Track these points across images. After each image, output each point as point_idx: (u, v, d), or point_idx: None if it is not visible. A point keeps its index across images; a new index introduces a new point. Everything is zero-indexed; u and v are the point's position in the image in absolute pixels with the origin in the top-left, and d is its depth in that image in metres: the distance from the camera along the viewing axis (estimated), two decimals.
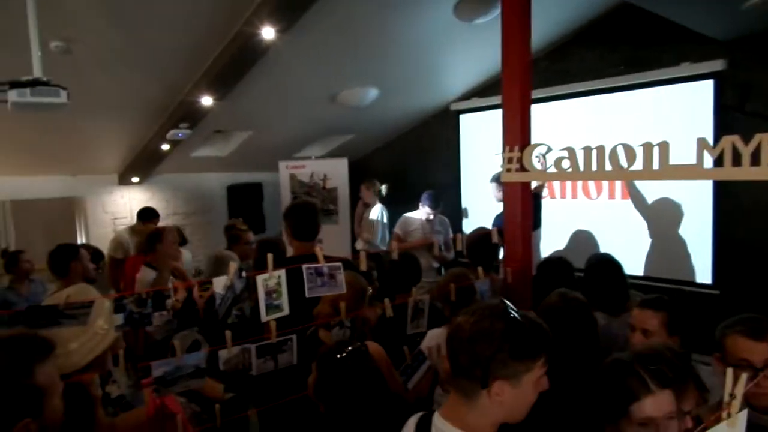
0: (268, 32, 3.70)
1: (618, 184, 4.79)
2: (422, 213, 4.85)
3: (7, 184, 5.38)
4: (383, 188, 5.70)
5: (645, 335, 2.01)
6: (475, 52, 5.12)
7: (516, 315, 1.22)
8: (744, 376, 0.76)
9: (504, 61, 2.62)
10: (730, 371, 0.77)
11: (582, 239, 4.84)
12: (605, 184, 4.87)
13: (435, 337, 2.27)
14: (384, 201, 5.71)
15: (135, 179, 6.19)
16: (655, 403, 1.32)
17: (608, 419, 1.40)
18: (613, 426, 1.38)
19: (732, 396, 0.75)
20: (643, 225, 4.58)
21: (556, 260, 2.97)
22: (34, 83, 2.97)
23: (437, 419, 1.28)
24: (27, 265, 4.20)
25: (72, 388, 1.48)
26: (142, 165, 5.93)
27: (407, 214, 4.96)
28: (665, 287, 4.22)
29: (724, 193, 4.16)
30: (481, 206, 5.78)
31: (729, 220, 4.17)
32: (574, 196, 5.12)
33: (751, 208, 4.10)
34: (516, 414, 1.24)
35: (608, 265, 2.72)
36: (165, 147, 5.42)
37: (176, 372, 1.68)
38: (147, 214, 5.22)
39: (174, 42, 3.90)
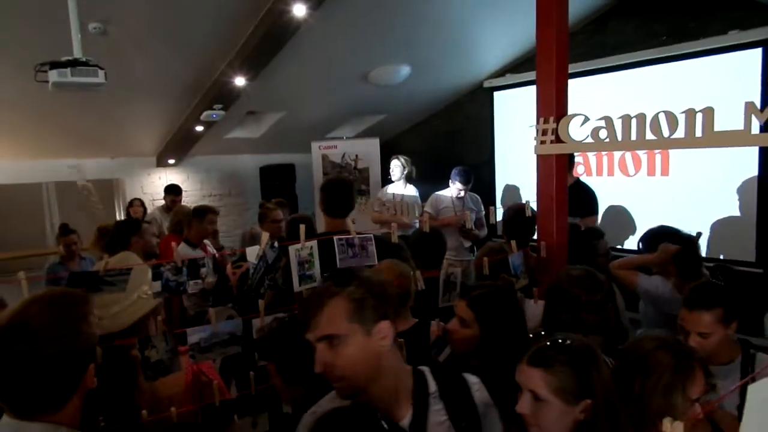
0: (299, 9, 3.70)
1: (658, 159, 4.63)
2: (453, 190, 4.75)
3: (51, 167, 5.58)
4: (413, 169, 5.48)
5: (702, 337, 1.83)
6: (509, 26, 5.00)
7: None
8: None
9: (539, 26, 2.53)
10: None
11: (619, 217, 4.71)
12: (644, 160, 4.71)
13: None
14: (410, 180, 5.47)
15: (171, 161, 6.33)
16: (522, 374, 1.28)
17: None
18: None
19: None
20: (683, 202, 4.42)
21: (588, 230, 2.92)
22: (74, 63, 3.06)
23: None
24: (74, 247, 4.30)
25: (116, 351, 1.55)
26: (177, 147, 6.06)
27: (438, 193, 4.87)
28: (707, 266, 4.09)
29: None
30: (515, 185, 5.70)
31: None
32: (611, 173, 4.98)
33: None
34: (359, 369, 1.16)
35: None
36: (199, 128, 5.52)
37: (211, 338, 1.72)
38: (171, 189, 5.61)
39: (206, 21, 3.95)
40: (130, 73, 4.27)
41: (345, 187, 2.69)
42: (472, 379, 1.32)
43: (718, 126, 1.92)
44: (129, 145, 5.92)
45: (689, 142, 1.97)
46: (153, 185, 6.37)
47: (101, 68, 3.14)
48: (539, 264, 2.58)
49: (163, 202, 5.68)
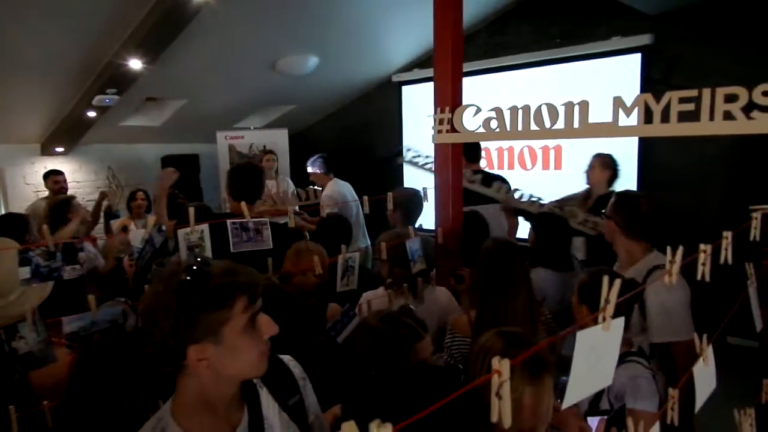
0: None
1: (551, 154, 4.94)
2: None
3: None
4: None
5: None
6: (416, 22, 5.10)
7: (195, 267, 1.01)
8: (618, 282, 0.81)
9: (436, 25, 2.62)
10: (605, 278, 0.81)
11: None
12: (539, 154, 5.01)
13: (368, 296, 2.37)
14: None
15: (59, 149, 5.86)
16: (426, 345, 1.56)
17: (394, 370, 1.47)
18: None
19: (607, 301, 0.79)
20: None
21: (470, 214, 3.01)
22: None
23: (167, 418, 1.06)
24: None
25: None
26: (66, 134, 5.60)
27: (340, 182, 4.77)
28: None
29: (647, 164, 4.39)
30: (422, 178, 5.82)
31: (652, 188, 4.40)
32: (511, 166, 5.25)
33: (674, 177, 4.34)
34: (245, 368, 1.05)
35: (555, 222, 2.85)
36: (91, 114, 5.14)
37: (91, 327, 1.62)
38: (49, 173, 4.96)
39: None
40: (8, 51, 3.90)
41: (250, 171, 2.68)
42: (286, 358, 1.30)
43: (597, 120, 2.09)
44: (10, 132, 5.39)
45: (567, 132, 2.13)
46: (37, 176, 5.80)
47: None
48: (437, 249, 2.67)
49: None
